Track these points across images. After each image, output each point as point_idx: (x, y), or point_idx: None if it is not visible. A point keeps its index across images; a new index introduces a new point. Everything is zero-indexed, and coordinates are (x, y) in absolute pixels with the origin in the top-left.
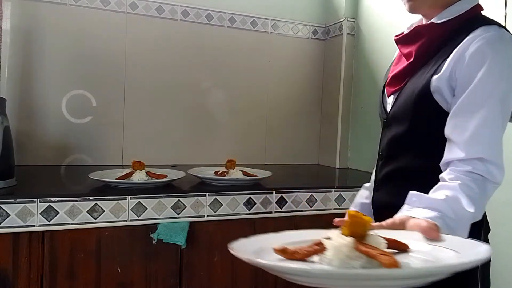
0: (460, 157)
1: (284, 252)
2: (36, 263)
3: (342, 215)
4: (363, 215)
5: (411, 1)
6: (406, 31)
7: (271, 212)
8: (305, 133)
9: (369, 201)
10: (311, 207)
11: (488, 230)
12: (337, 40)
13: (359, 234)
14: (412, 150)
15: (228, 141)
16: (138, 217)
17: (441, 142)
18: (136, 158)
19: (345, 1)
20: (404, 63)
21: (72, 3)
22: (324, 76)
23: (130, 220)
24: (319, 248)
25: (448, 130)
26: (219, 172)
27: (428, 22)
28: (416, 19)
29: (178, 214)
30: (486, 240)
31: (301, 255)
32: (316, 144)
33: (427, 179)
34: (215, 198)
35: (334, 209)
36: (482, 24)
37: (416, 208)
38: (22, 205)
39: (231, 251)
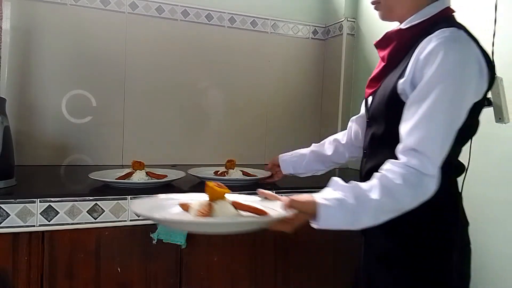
0: (399, 149)
1: (183, 205)
2: (36, 263)
3: None
4: (218, 186)
5: (379, 10)
6: (381, 36)
7: None
8: (305, 133)
9: (330, 153)
10: None
11: (466, 224)
12: (337, 40)
13: (213, 199)
14: (388, 148)
15: (228, 141)
16: (138, 217)
17: None
18: (136, 158)
19: (345, 1)
20: (381, 66)
21: (72, 3)
22: (324, 76)
23: (130, 220)
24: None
25: (400, 125)
26: (219, 172)
27: (397, 28)
28: (396, 24)
29: None
30: (463, 234)
31: (204, 213)
32: None
33: None
34: None
35: None
36: (441, 26)
37: (327, 188)
38: (22, 205)
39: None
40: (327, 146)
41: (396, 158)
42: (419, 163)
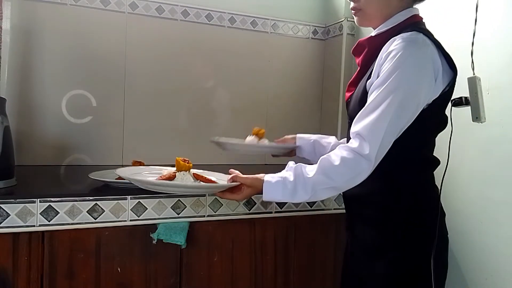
0: (350, 132)
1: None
2: (36, 263)
3: (342, 215)
4: (183, 161)
5: (355, 17)
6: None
7: (271, 212)
8: (305, 133)
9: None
10: (311, 207)
11: (443, 214)
12: (337, 40)
13: (179, 170)
14: None
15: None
16: (138, 217)
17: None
18: (136, 158)
19: (345, 1)
20: (356, 71)
21: (72, 3)
22: (324, 76)
23: (130, 220)
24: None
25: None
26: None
27: (367, 37)
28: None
29: (178, 214)
30: (441, 224)
31: (165, 177)
32: None
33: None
34: (215, 198)
35: (334, 208)
36: (404, 31)
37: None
38: (22, 205)
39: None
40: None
41: None
42: (359, 146)
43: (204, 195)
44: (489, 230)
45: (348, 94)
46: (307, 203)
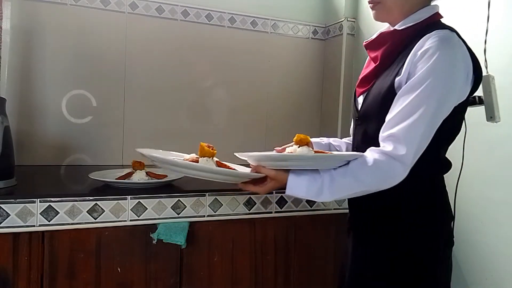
0: (380, 136)
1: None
2: (36, 263)
3: (342, 215)
4: (207, 147)
5: (374, 10)
6: (373, 37)
7: (271, 212)
8: (305, 132)
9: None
10: (311, 207)
11: (452, 218)
12: (337, 40)
13: (202, 156)
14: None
15: (228, 141)
16: (138, 217)
17: None
18: (136, 158)
19: (345, 1)
20: (372, 66)
21: (72, 3)
22: (324, 76)
23: (130, 220)
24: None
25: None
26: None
27: (392, 29)
28: (385, 26)
29: (178, 214)
30: (450, 228)
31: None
32: None
33: None
34: (215, 198)
35: (334, 208)
36: (436, 28)
37: None
38: (22, 205)
39: (138, 150)
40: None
41: None
42: (393, 148)
43: (210, 193)
44: (489, 230)
45: (361, 90)
46: (307, 202)
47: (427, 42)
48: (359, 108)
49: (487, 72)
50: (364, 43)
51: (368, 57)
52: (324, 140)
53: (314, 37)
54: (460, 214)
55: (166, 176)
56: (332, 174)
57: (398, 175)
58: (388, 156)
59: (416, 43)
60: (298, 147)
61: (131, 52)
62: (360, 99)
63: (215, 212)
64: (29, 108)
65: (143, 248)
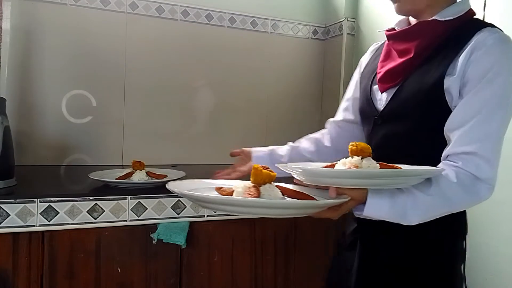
0: (453, 151)
1: (219, 189)
2: (36, 263)
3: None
4: (264, 169)
5: (398, 3)
6: (400, 27)
7: None
8: (305, 132)
9: (315, 157)
10: None
11: (466, 232)
12: (337, 40)
13: (259, 182)
14: (412, 147)
15: (228, 141)
16: (138, 217)
17: (443, 141)
18: (136, 158)
19: (345, 1)
20: (397, 59)
21: (72, 3)
22: (324, 76)
23: (130, 220)
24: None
25: (449, 126)
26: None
27: (430, 19)
28: (401, 18)
29: (178, 214)
30: (462, 241)
31: (226, 193)
32: None
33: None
34: None
35: None
36: (485, 26)
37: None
38: (22, 205)
39: (168, 187)
40: (307, 146)
41: (428, 158)
42: (475, 166)
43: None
44: (489, 230)
45: (385, 85)
46: None
47: (486, 43)
48: (381, 106)
49: None
50: (387, 33)
51: (385, 49)
52: (291, 144)
53: (314, 37)
54: None
55: (166, 176)
56: (413, 192)
57: (484, 197)
58: (473, 176)
59: (466, 40)
60: (361, 158)
61: (131, 52)
62: (384, 96)
63: (215, 212)
64: (29, 108)
65: (143, 248)
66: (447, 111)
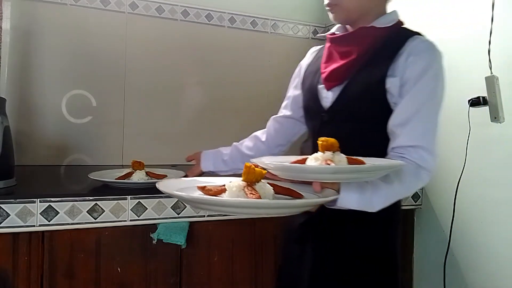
0: (399, 145)
1: (203, 188)
2: (36, 263)
3: None
4: (256, 167)
5: (332, 13)
6: (340, 32)
7: None
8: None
9: (252, 152)
10: None
11: (399, 220)
12: None
13: (251, 181)
14: (359, 143)
15: (228, 141)
16: (138, 217)
17: (384, 135)
18: (136, 158)
19: None
20: (339, 60)
21: (72, 3)
22: None
23: (130, 220)
24: (224, 188)
25: (394, 122)
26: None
27: (369, 26)
28: (338, 25)
29: (178, 214)
30: (395, 229)
31: (213, 192)
32: None
33: None
34: None
35: None
36: (415, 34)
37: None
38: (22, 205)
39: (157, 187)
40: (247, 143)
41: (371, 149)
42: (420, 157)
43: None
44: (489, 230)
45: (331, 84)
46: None
47: (418, 47)
48: (327, 103)
49: (491, 73)
50: (329, 36)
51: (326, 51)
52: (235, 143)
53: (314, 37)
54: (460, 214)
55: (166, 176)
56: (376, 182)
57: (425, 182)
58: (417, 165)
59: (400, 45)
60: (333, 153)
61: (131, 52)
62: (329, 94)
63: (215, 212)
64: (29, 108)
65: (143, 248)
66: (388, 108)
